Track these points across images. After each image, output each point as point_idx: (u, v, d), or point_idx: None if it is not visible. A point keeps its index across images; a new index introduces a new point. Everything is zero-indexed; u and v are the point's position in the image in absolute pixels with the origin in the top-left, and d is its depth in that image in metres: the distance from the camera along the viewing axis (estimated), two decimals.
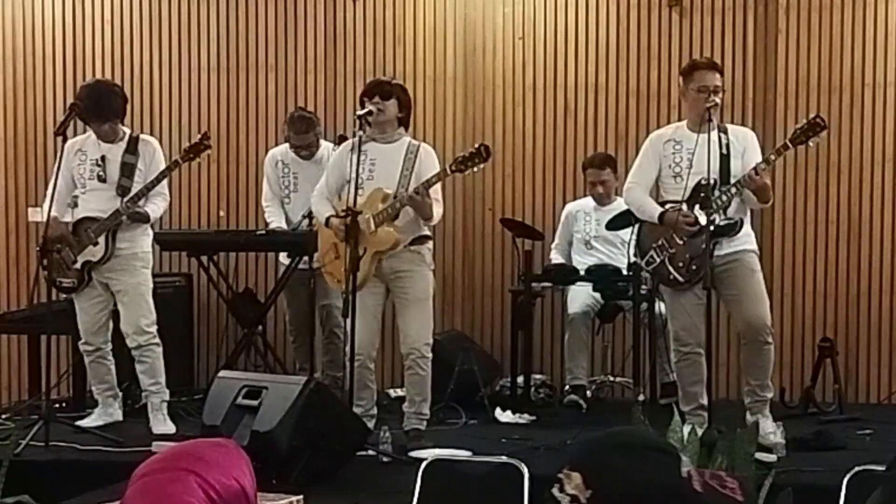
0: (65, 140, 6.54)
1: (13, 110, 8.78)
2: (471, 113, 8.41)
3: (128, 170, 6.69)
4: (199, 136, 6.80)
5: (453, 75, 8.41)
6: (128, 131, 6.83)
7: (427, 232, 6.44)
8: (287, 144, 7.69)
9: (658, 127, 7.93)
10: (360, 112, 6.22)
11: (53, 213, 6.59)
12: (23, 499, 5.10)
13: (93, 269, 6.71)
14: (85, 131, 6.90)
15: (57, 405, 6.99)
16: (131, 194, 6.65)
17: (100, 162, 6.71)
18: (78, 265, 6.72)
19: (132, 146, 6.74)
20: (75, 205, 6.80)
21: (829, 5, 7.99)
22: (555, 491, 1.95)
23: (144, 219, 6.72)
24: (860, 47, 7.97)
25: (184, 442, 2.20)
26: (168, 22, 8.63)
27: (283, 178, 7.68)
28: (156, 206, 6.75)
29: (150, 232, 6.89)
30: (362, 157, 6.12)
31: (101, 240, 6.67)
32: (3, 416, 7.17)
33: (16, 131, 8.78)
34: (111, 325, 6.85)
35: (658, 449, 2.01)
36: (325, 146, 7.62)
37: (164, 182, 6.77)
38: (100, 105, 6.65)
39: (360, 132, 6.15)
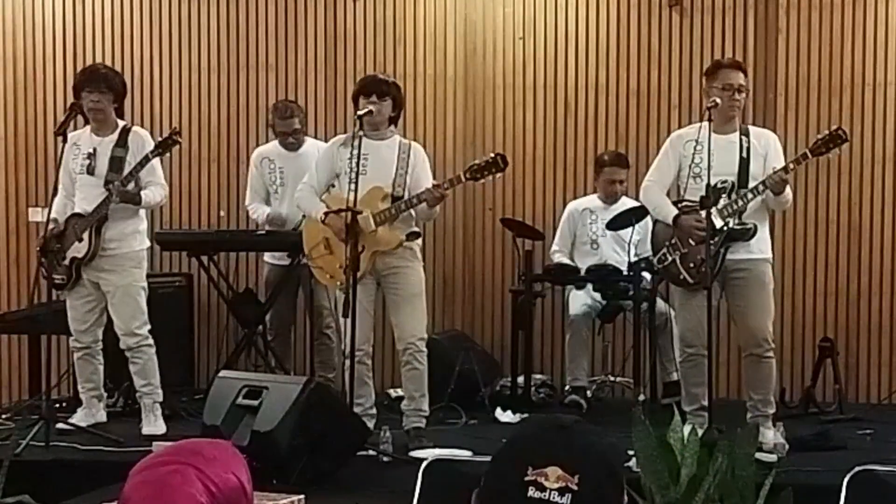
0: (65, 140, 6.54)
1: (13, 110, 8.77)
2: (471, 113, 8.41)
3: (116, 164, 6.58)
4: (169, 131, 6.66)
5: (453, 75, 8.41)
6: (122, 123, 6.73)
7: (417, 228, 6.49)
8: (275, 141, 7.72)
9: (658, 127, 8.00)
10: (360, 112, 6.23)
11: (57, 209, 6.58)
12: (23, 499, 5.10)
13: (81, 267, 6.61)
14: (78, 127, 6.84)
15: (57, 405, 6.98)
16: (122, 177, 6.52)
17: (89, 154, 6.64)
18: (66, 262, 6.63)
19: (123, 139, 6.63)
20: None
21: (829, 5, 7.99)
22: (532, 493, 1.94)
23: (135, 200, 6.57)
24: (860, 47, 7.96)
25: (182, 440, 2.21)
26: (168, 22, 8.62)
27: (271, 174, 7.68)
28: (150, 193, 6.61)
29: (142, 229, 6.75)
30: (354, 153, 6.13)
31: (85, 236, 6.57)
32: (4, 416, 7.18)
33: (16, 131, 8.78)
34: (104, 323, 6.76)
35: (578, 420, 2.04)
36: (313, 143, 7.63)
37: (160, 171, 6.69)
38: (95, 75, 6.62)
39: (361, 132, 6.16)
